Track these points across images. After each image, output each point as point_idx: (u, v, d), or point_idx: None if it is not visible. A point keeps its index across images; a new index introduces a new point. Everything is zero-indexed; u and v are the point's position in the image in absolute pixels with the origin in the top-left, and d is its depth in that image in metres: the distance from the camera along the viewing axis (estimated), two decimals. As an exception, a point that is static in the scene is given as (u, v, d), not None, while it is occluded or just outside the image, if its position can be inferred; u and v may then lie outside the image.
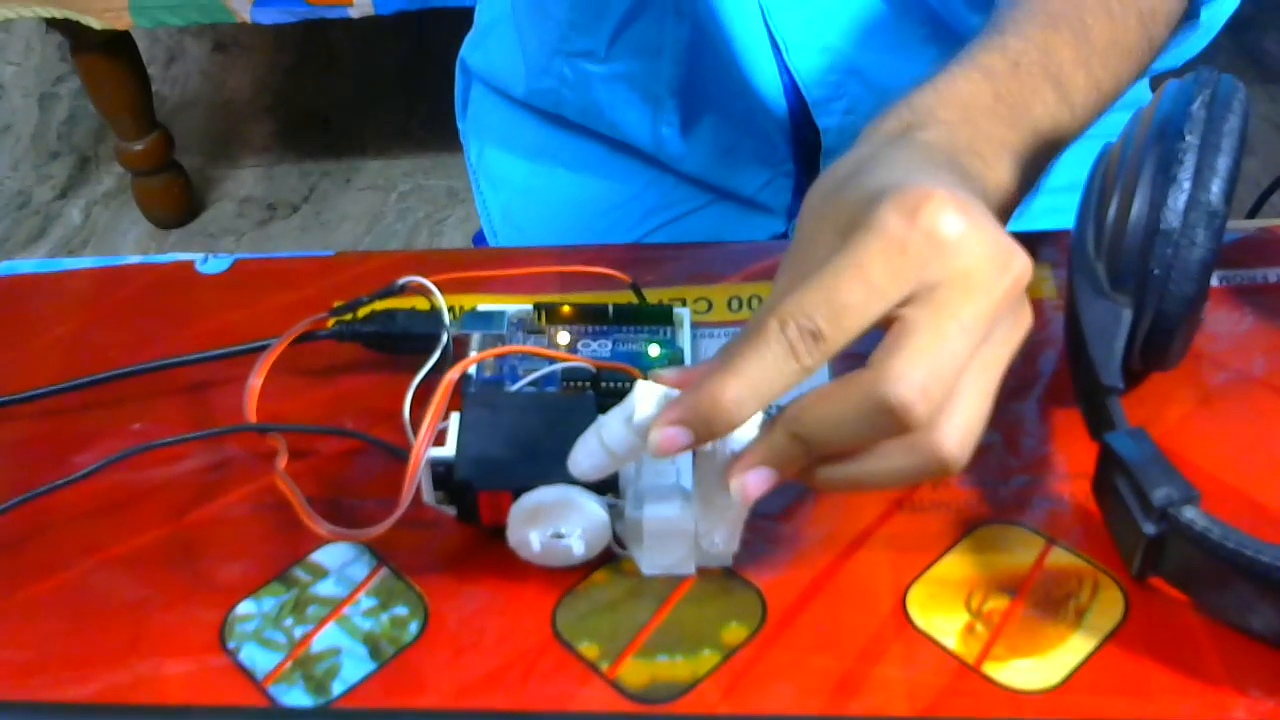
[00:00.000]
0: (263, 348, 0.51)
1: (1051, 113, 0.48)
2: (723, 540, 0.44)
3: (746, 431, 0.40)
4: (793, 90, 0.71)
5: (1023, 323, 0.39)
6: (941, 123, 0.45)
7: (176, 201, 1.79)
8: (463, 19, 0.91)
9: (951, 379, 0.37)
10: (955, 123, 0.45)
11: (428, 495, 0.45)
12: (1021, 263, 0.38)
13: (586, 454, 0.41)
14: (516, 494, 0.43)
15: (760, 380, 0.37)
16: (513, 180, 0.84)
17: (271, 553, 0.47)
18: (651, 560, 0.45)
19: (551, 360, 0.49)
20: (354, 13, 1.49)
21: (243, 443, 0.51)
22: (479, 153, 0.86)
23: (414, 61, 2.00)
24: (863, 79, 0.70)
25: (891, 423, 0.37)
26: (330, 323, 0.53)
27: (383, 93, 1.97)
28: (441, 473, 0.44)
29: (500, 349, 0.50)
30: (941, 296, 0.37)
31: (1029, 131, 0.47)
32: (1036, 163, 0.47)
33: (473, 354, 0.49)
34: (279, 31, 1.75)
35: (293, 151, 1.91)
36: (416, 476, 0.43)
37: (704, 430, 0.38)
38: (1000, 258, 0.38)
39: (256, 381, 0.50)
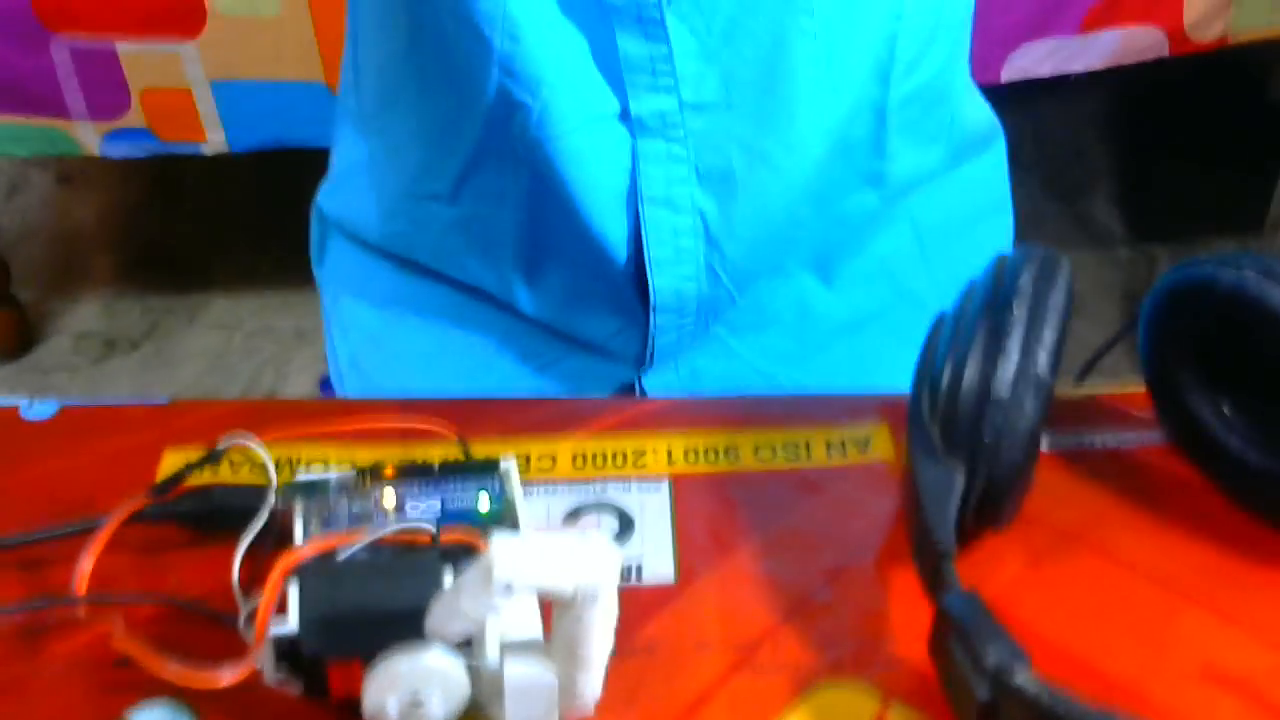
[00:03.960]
0: (89, 529, 0.49)
1: None
2: (587, 688, 0.43)
3: (527, 617, 0.42)
4: (634, 242, 0.71)
5: None
6: None
7: (10, 335, 1.73)
8: (316, 159, 0.91)
9: None
10: None
11: (269, 676, 0.43)
12: None
13: (446, 617, 0.40)
14: (367, 661, 0.42)
15: None
16: (363, 328, 0.83)
17: (83, 717, 0.45)
18: (514, 718, 0.44)
19: (382, 521, 0.48)
20: (207, 149, 1.48)
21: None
22: (333, 300, 0.86)
23: (265, 201, 1.98)
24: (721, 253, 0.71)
25: None
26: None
27: (232, 230, 1.95)
28: (285, 647, 0.43)
29: (334, 539, 0.46)
30: None
31: None
32: None
33: (298, 528, 0.48)
34: (126, 165, 1.73)
35: (135, 287, 1.87)
36: (266, 635, 0.42)
37: None
38: None
39: (87, 565, 0.48)
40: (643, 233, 0.70)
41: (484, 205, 0.73)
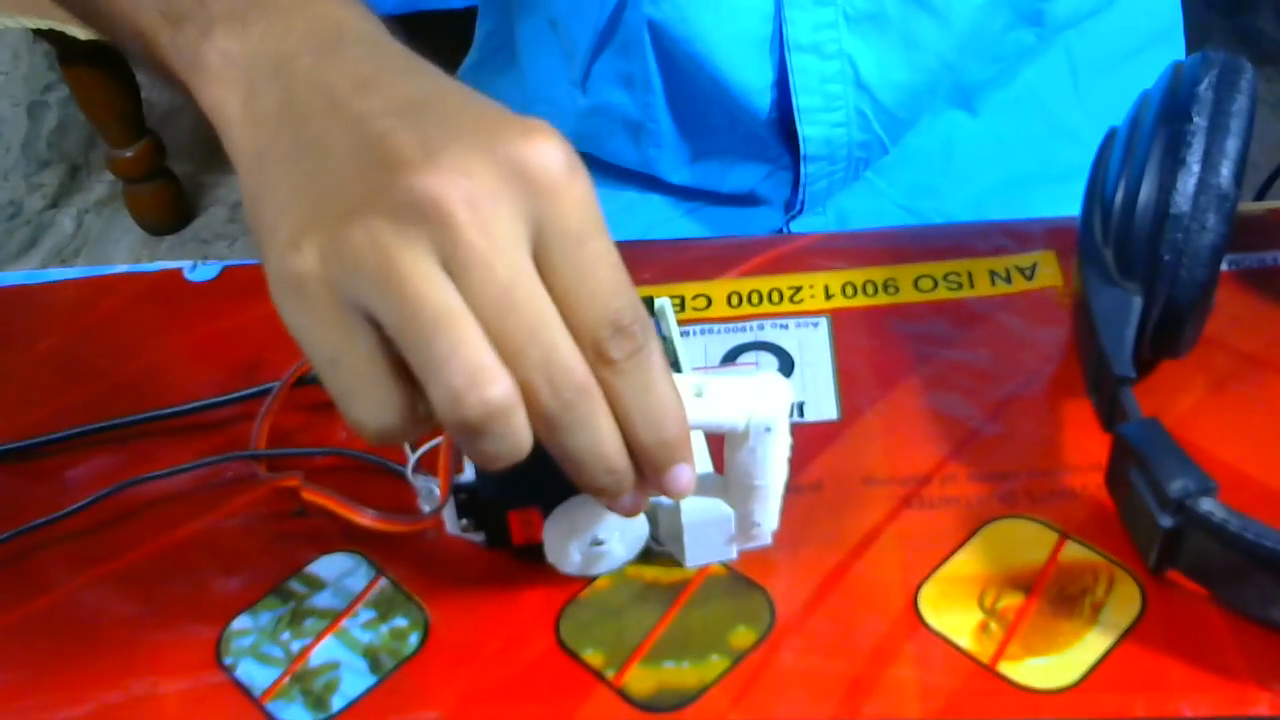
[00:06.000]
0: (264, 392, 0.50)
1: None
2: (764, 520, 0.43)
3: (697, 454, 0.42)
4: (778, 89, 0.69)
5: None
6: None
7: (168, 208, 1.77)
8: (454, 22, 0.90)
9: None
10: None
11: (452, 526, 0.44)
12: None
13: None
14: (547, 508, 0.42)
15: None
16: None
17: (267, 566, 0.46)
18: (694, 553, 0.44)
19: None
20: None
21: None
22: None
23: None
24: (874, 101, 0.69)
25: None
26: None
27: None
28: (464, 499, 0.43)
29: None
30: None
31: None
32: None
33: None
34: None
35: (285, 155, 1.90)
36: (449, 492, 0.43)
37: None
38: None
39: (264, 423, 0.49)
40: (789, 81, 0.68)
41: (611, 91, 0.71)
